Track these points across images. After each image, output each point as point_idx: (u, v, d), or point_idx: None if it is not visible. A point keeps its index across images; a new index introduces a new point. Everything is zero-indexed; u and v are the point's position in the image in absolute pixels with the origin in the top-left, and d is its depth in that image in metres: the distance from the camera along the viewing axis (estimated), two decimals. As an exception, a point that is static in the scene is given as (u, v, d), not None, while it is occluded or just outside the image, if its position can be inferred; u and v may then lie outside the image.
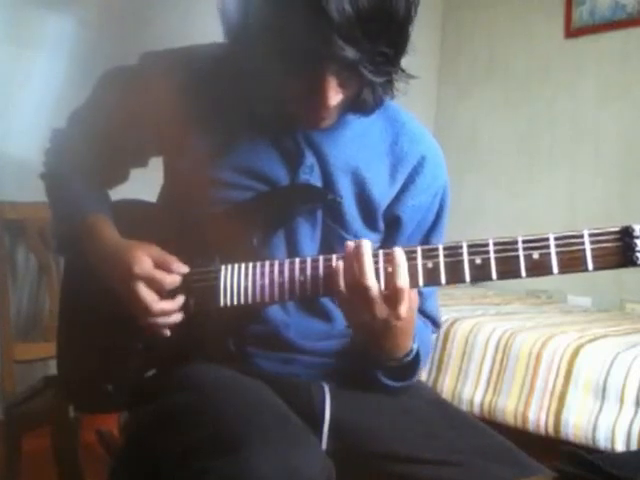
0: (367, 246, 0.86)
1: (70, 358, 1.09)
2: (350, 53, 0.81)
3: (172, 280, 0.94)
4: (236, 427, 0.79)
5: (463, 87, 3.62)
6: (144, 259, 0.93)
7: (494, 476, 0.87)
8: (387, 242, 1.04)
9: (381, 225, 1.04)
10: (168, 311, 0.94)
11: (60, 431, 1.52)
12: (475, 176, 3.39)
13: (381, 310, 0.85)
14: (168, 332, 0.96)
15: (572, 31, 3.21)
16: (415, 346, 0.95)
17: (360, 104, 0.94)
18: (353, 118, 1.00)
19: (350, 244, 0.87)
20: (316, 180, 0.99)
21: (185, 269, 0.96)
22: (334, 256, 0.89)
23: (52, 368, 1.14)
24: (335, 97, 0.88)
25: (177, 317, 0.95)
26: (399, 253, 0.85)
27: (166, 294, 0.94)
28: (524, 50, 3.39)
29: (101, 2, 2.30)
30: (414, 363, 0.97)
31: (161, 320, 0.94)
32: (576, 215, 3.08)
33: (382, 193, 1.02)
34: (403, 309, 0.85)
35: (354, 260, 0.85)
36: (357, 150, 1.01)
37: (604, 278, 2.87)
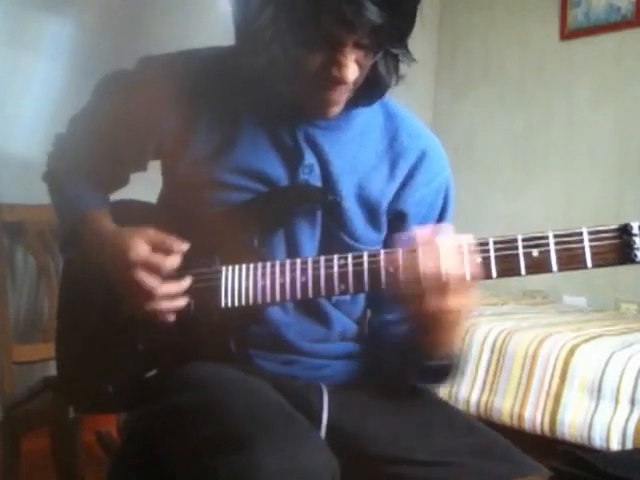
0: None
1: (69, 359, 1.09)
2: (377, 17, 0.81)
3: (171, 261, 0.93)
4: (243, 425, 0.79)
5: (460, 89, 3.63)
6: (140, 244, 0.93)
7: (488, 474, 0.88)
8: (391, 238, 1.02)
9: (383, 224, 1.04)
10: (173, 294, 0.93)
11: (59, 432, 1.52)
12: (472, 177, 3.39)
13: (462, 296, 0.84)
14: (173, 317, 0.94)
15: (567, 33, 3.22)
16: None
17: (372, 86, 0.94)
18: (355, 115, 1.01)
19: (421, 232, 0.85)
20: (316, 180, 1.00)
21: (185, 246, 0.95)
22: (335, 257, 0.89)
23: (51, 369, 1.14)
24: (353, 71, 0.88)
25: (182, 301, 0.94)
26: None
27: (169, 276, 0.93)
28: (520, 52, 3.40)
29: (100, 5, 2.30)
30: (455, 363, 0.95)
31: (165, 305, 0.93)
32: (572, 216, 3.08)
33: (382, 191, 1.02)
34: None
35: (432, 250, 0.83)
36: (357, 149, 1.02)
37: (599, 278, 2.89)
